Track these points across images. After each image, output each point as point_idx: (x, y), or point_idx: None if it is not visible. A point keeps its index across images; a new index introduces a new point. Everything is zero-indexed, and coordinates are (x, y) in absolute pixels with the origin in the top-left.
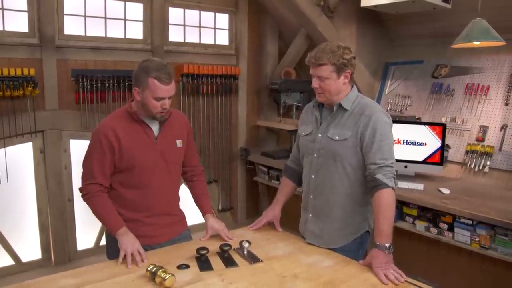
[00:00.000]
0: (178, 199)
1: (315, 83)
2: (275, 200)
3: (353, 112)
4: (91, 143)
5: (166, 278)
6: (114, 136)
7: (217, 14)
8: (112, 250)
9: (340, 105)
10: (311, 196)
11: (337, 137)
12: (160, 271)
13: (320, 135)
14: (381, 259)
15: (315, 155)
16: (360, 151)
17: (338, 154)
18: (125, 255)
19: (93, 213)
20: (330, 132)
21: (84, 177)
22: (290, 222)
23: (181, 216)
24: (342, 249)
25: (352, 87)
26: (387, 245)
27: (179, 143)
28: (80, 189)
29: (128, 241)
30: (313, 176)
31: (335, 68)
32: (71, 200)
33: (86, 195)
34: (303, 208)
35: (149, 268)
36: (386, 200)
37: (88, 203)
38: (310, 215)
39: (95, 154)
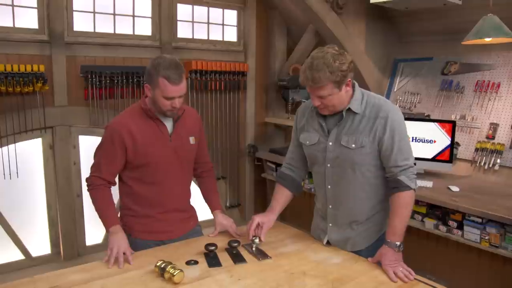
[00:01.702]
0: (189, 195)
1: (316, 102)
2: (270, 208)
3: (365, 115)
4: (104, 138)
5: (175, 274)
6: (128, 133)
7: (225, 10)
8: None
9: (349, 109)
10: (330, 207)
11: (354, 145)
12: (169, 267)
13: (331, 143)
14: (391, 256)
15: (329, 165)
16: (378, 154)
17: (356, 162)
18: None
19: (93, 205)
20: (343, 140)
21: (92, 168)
22: (298, 219)
23: (192, 212)
24: (367, 249)
25: (353, 86)
26: (397, 243)
27: (192, 140)
28: (86, 179)
29: (117, 241)
30: (329, 187)
31: (336, 84)
32: (80, 195)
33: (89, 186)
34: (321, 217)
35: (158, 264)
36: (406, 200)
37: (90, 194)
38: (330, 225)
39: (105, 149)
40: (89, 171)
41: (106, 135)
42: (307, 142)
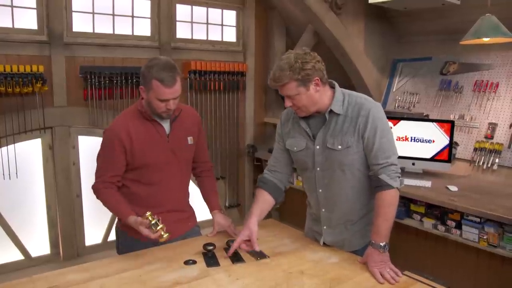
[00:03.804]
0: (188, 195)
1: (287, 102)
2: (250, 213)
3: (347, 115)
4: (104, 142)
5: (164, 236)
6: (126, 135)
7: (224, 10)
8: (122, 246)
9: (331, 111)
10: (323, 210)
11: (340, 146)
12: (159, 227)
13: (318, 147)
14: (376, 257)
15: (318, 169)
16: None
17: (344, 163)
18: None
19: (106, 207)
20: (329, 142)
21: (96, 174)
22: (295, 218)
23: (190, 212)
24: (364, 249)
25: (333, 87)
26: (382, 244)
27: (190, 140)
28: (92, 187)
29: (136, 222)
30: (320, 191)
31: (300, 83)
32: (79, 196)
33: (96, 193)
34: (314, 220)
35: (148, 215)
36: (388, 201)
37: (99, 199)
38: (325, 227)
39: (106, 153)
40: (94, 178)
41: (105, 139)
42: (295, 148)
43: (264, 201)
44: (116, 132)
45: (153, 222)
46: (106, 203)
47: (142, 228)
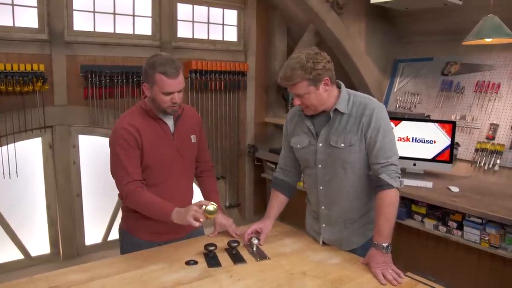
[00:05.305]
0: (192, 194)
1: (296, 101)
2: (267, 215)
3: (351, 114)
4: (114, 143)
5: (209, 217)
6: (136, 132)
7: (225, 10)
8: (127, 246)
9: (336, 110)
10: (323, 207)
11: (342, 144)
12: (212, 215)
13: (321, 144)
14: (379, 258)
15: (320, 166)
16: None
17: (347, 161)
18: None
19: (142, 212)
20: (332, 140)
21: (118, 182)
22: (295, 217)
23: None
24: (363, 247)
25: (339, 87)
26: (384, 245)
27: (193, 138)
28: (120, 195)
29: (182, 214)
30: (321, 188)
31: (311, 82)
32: (79, 195)
33: (126, 198)
34: (314, 218)
35: (213, 209)
36: (388, 201)
37: (131, 205)
38: (324, 225)
39: (122, 152)
40: (117, 188)
41: (117, 138)
42: (298, 146)
43: (278, 201)
44: (125, 128)
45: (211, 209)
46: (146, 203)
47: (194, 207)
